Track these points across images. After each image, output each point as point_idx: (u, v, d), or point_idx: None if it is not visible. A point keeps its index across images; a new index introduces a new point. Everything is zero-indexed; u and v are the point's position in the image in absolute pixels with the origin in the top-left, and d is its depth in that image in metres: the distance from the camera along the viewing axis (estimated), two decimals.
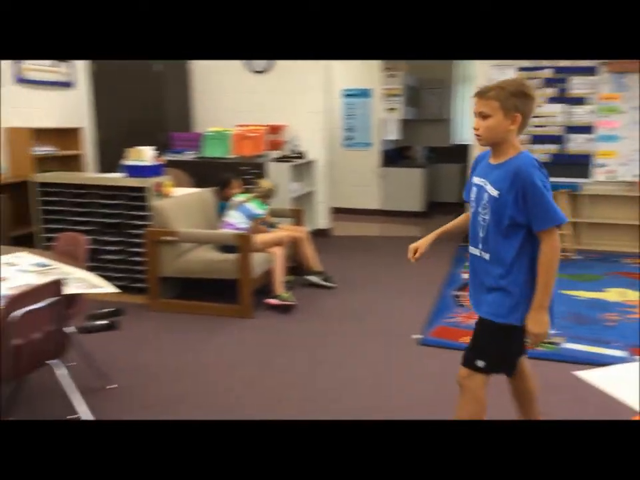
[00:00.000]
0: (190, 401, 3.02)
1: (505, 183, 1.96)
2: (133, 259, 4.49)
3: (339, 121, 8.44)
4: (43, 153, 5.74)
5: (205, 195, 4.92)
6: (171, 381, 3.25)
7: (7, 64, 5.55)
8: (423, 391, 3.10)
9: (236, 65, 6.82)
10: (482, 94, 1.98)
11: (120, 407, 2.94)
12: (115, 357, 3.52)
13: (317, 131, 6.75)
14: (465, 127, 9.11)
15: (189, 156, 6.09)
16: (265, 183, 4.87)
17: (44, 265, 2.78)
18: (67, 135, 6.12)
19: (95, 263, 4.22)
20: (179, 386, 3.19)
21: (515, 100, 1.95)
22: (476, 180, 2.12)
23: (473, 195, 2.13)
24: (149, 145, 4.60)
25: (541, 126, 6.29)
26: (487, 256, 2.06)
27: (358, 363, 3.49)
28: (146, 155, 4.48)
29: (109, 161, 5.97)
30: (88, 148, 6.44)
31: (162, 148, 5.69)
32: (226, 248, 4.39)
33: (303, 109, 6.72)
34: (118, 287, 2.98)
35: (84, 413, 2.49)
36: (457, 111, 9.36)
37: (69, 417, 2.66)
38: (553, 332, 2.28)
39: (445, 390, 3.00)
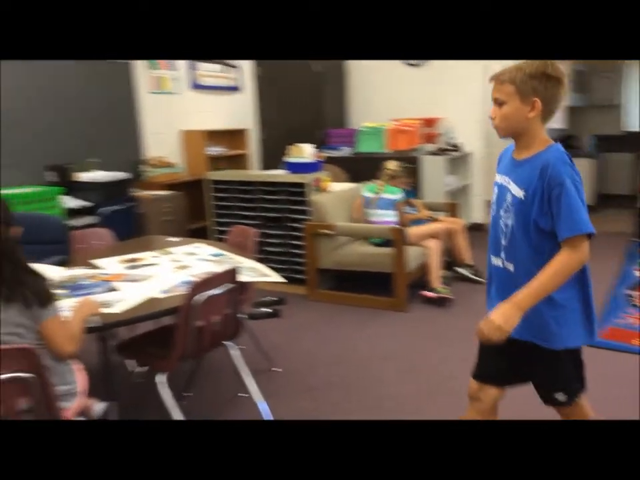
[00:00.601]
0: (345, 387, 3.15)
1: (531, 181, 1.68)
2: (293, 251, 4.74)
3: None
4: (215, 152, 6.26)
5: (360, 190, 5.04)
6: (328, 367, 3.40)
7: (184, 72, 6.13)
8: (592, 395, 2.93)
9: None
10: (496, 77, 1.74)
11: (284, 389, 3.15)
12: (278, 342, 3.76)
13: (474, 123, 6.58)
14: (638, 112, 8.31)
15: (344, 152, 6.26)
16: (389, 164, 4.75)
17: (219, 255, 3.06)
18: (235, 136, 6.60)
19: (260, 255, 4.53)
20: (336, 372, 3.33)
21: (533, 82, 1.67)
22: (498, 178, 1.86)
23: (493, 196, 1.86)
24: (308, 143, 4.83)
25: None
26: (511, 267, 1.78)
27: None
28: (306, 152, 4.70)
29: (271, 159, 6.36)
30: (253, 147, 6.89)
31: (319, 145, 5.92)
32: (381, 241, 4.47)
33: (459, 100, 6.59)
34: (281, 277, 3.18)
35: (254, 391, 2.70)
36: (629, 96, 8.57)
37: (239, 394, 2.91)
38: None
39: (618, 393, 2.81)
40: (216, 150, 6.31)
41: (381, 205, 4.60)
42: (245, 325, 3.14)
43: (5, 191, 4.16)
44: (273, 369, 3.37)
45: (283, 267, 4.71)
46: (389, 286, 4.29)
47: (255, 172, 6.24)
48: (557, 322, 1.74)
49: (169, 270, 2.80)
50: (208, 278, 2.39)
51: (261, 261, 3.03)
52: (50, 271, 2.71)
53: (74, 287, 2.49)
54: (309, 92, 6.60)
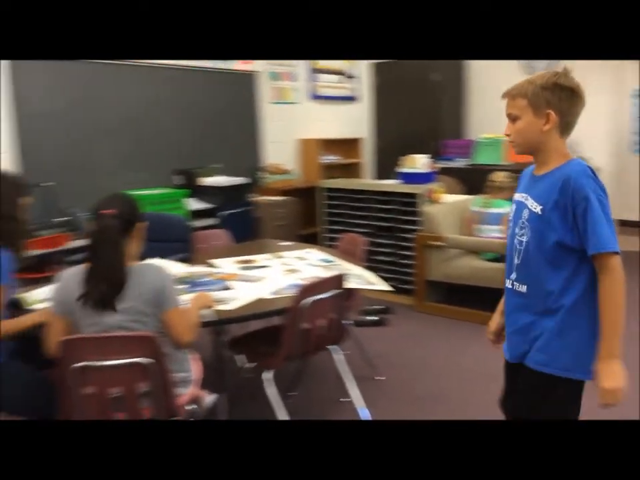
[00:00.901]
0: (447, 401, 3.09)
1: (550, 196, 1.59)
2: (402, 261, 4.73)
3: (628, 124, 7.62)
4: (329, 161, 6.40)
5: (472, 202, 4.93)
6: (431, 379, 3.36)
7: (304, 82, 6.34)
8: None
9: (512, 67, 6.66)
10: (508, 93, 1.67)
11: (386, 398, 3.15)
12: (382, 351, 3.77)
13: (602, 136, 6.22)
14: None
15: (460, 163, 6.15)
16: (496, 176, 4.54)
17: (328, 261, 3.13)
18: (349, 145, 6.71)
19: (369, 263, 4.56)
20: (438, 385, 3.28)
21: (546, 94, 1.60)
22: (517, 196, 1.76)
23: (510, 214, 1.77)
24: (423, 153, 4.80)
25: None
26: (523, 288, 1.68)
27: None
28: (419, 162, 4.68)
29: (385, 168, 6.39)
30: (367, 156, 6.96)
31: (434, 155, 5.87)
32: (493, 256, 4.35)
33: (585, 112, 6.24)
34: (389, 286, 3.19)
35: (356, 397, 2.74)
36: None
37: (341, 399, 2.96)
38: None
39: None
40: (330, 158, 6.45)
41: (488, 219, 4.47)
42: (350, 331, 3.19)
43: (138, 192, 4.53)
44: (377, 377, 3.38)
45: (391, 276, 4.71)
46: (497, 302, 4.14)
47: (368, 181, 6.30)
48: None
49: (280, 273, 2.91)
50: (316, 282, 2.46)
51: (369, 269, 3.07)
52: (173, 267, 2.92)
53: (193, 283, 2.67)
54: (426, 101, 6.57)
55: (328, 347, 2.69)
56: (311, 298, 2.38)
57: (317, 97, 6.50)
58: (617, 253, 1.55)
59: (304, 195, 5.89)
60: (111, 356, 1.83)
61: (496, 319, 1.92)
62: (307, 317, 2.39)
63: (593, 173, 1.59)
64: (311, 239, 5.15)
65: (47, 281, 2.66)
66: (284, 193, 5.77)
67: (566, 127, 1.64)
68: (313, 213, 5.81)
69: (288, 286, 2.65)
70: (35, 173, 4.21)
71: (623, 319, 1.56)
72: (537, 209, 1.63)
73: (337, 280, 2.52)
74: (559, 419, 1.67)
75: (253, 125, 5.84)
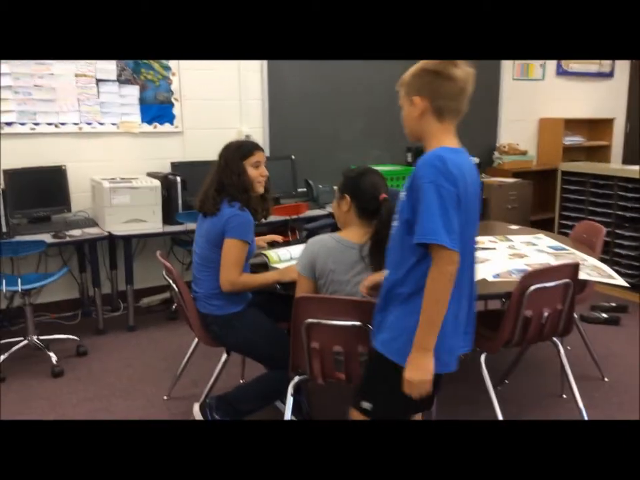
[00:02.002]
0: None
1: (407, 182, 1.59)
2: None
3: None
4: (571, 142, 5.93)
5: None
6: None
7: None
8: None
9: None
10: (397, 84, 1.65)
11: (610, 401, 2.89)
12: (611, 352, 3.44)
13: None
14: None
15: None
16: None
17: (560, 249, 2.95)
18: (597, 126, 6.13)
19: (606, 255, 4.17)
20: None
21: (414, 80, 1.60)
22: None
23: None
24: None
25: None
26: (386, 273, 1.68)
27: None
28: None
29: (634, 153, 5.71)
30: (617, 138, 6.28)
31: None
32: None
33: None
34: (627, 283, 2.89)
35: (576, 395, 2.56)
36: None
37: (562, 395, 2.80)
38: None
39: None
40: (574, 140, 5.96)
41: None
42: (577, 325, 2.98)
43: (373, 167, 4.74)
44: (606, 379, 3.11)
45: (633, 272, 4.25)
46: None
47: (613, 166, 5.69)
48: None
49: (504, 256, 2.83)
50: (543, 269, 2.34)
51: (606, 261, 2.82)
52: None
53: None
54: None
55: (550, 338, 2.56)
56: (536, 285, 2.28)
57: (565, 73, 6.03)
58: (443, 246, 1.47)
59: (539, 178, 5.56)
60: (337, 316, 1.99)
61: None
62: (530, 304, 2.29)
63: (442, 164, 1.49)
64: (543, 225, 4.87)
65: (288, 244, 2.96)
66: (517, 174, 5.52)
67: (439, 111, 1.59)
68: (547, 198, 5.48)
69: (512, 270, 2.57)
70: (280, 145, 4.65)
71: (440, 314, 1.51)
72: (403, 195, 1.61)
73: (569, 269, 2.37)
74: (388, 402, 1.67)
75: (493, 104, 5.65)
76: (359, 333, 1.97)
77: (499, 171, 5.56)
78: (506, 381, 3.06)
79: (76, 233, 3.61)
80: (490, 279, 2.47)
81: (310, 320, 2.00)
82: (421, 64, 1.61)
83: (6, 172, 3.61)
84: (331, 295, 2.09)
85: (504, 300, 2.90)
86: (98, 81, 3.96)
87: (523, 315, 2.31)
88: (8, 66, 3.67)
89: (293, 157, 4.58)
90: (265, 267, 2.62)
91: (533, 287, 2.27)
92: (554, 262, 2.69)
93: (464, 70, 1.59)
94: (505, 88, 5.67)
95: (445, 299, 1.51)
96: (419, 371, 1.53)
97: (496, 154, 5.67)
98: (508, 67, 5.66)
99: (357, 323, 1.96)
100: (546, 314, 2.36)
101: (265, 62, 4.52)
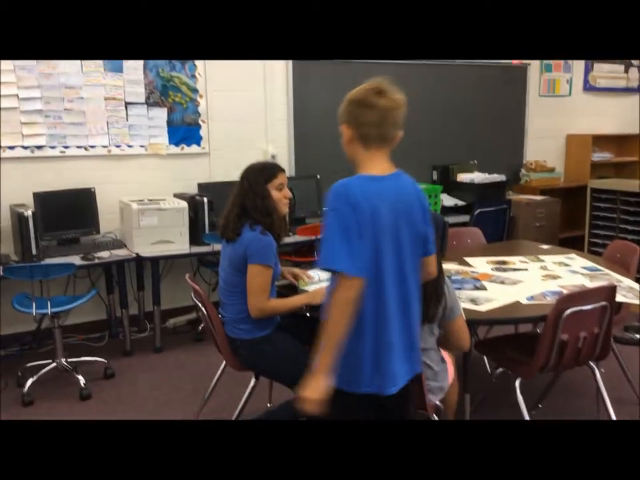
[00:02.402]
0: None
1: None
2: None
3: None
4: (600, 159, 5.84)
5: None
6: None
7: (578, 74, 5.86)
8: None
9: None
10: None
11: None
12: None
13: None
14: None
15: None
16: None
17: (594, 270, 2.88)
18: (625, 141, 6.03)
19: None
20: None
21: (344, 109, 1.65)
22: None
23: None
24: None
25: None
26: None
27: None
28: None
29: None
30: None
31: None
32: None
33: None
34: None
35: (614, 420, 2.48)
36: None
37: (589, 419, 2.71)
38: None
39: None
40: (601, 156, 5.87)
41: None
42: (612, 347, 2.89)
43: None
44: None
45: None
46: None
47: None
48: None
49: (537, 277, 2.77)
50: (580, 291, 2.29)
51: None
52: None
53: None
54: None
55: (586, 363, 2.48)
56: (572, 308, 2.22)
57: (592, 89, 5.96)
58: (342, 272, 1.50)
59: (567, 195, 5.48)
60: None
61: None
62: (567, 327, 2.23)
63: (345, 192, 1.55)
64: (572, 243, 4.78)
65: (314, 265, 2.94)
66: (544, 192, 5.44)
67: (363, 138, 1.62)
68: (576, 215, 5.39)
69: (546, 292, 2.51)
70: (305, 165, 4.65)
71: (334, 338, 1.54)
72: None
73: (606, 291, 2.31)
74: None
75: (519, 120, 5.60)
76: None
77: (526, 189, 5.49)
78: (540, 405, 2.98)
79: (104, 254, 3.64)
80: (524, 301, 2.42)
81: None
82: (349, 94, 1.67)
83: (36, 195, 3.66)
84: None
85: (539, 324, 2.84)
86: (127, 103, 4.02)
87: (560, 339, 2.26)
88: (39, 90, 3.74)
89: (318, 176, 4.57)
90: (293, 289, 2.60)
91: (569, 310, 2.21)
92: (589, 284, 2.63)
93: (389, 98, 1.61)
94: (531, 104, 5.62)
95: (340, 324, 1.54)
96: (312, 391, 1.57)
97: (523, 171, 5.60)
98: (534, 83, 5.62)
99: None
100: (582, 338, 2.30)
101: (290, 81, 4.55)
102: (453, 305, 2.03)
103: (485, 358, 3.23)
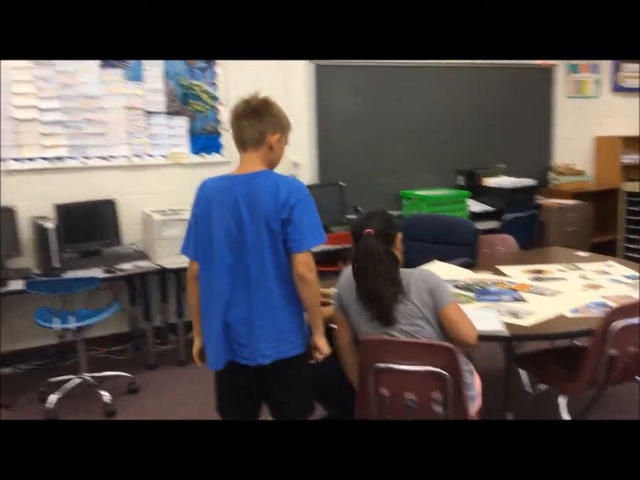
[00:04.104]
0: None
1: None
2: None
3: None
4: (630, 161, 5.66)
5: None
6: None
7: (606, 74, 5.70)
8: None
9: None
10: None
11: None
12: None
13: None
14: None
15: None
16: None
17: (636, 278, 2.74)
18: None
19: None
20: None
21: None
22: None
23: None
24: None
25: None
26: None
27: None
28: None
29: None
30: None
31: None
32: None
33: None
34: None
35: None
36: None
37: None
38: None
39: None
40: (632, 158, 5.69)
41: None
42: None
43: (422, 192, 4.60)
44: None
45: None
46: None
47: None
48: None
49: (578, 287, 2.64)
50: (629, 304, 2.15)
51: None
52: (457, 272, 2.86)
53: (482, 291, 2.57)
54: None
55: (633, 378, 2.35)
56: (622, 321, 2.09)
57: (620, 89, 5.79)
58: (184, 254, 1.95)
59: (598, 199, 5.31)
60: (407, 361, 1.85)
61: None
62: (615, 342, 2.10)
63: (199, 186, 1.92)
64: (604, 248, 4.63)
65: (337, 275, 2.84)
66: (575, 196, 5.28)
67: (235, 142, 1.91)
68: (608, 219, 5.23)
69: (590, 304, 2.38)
70: (329, 173, 4.56)
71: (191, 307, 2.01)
72: None
73: None
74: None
75: (546, 122, 5.45)
76: (433, 379, 1.82)
77: (555, 192, 5.33)
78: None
79: (126, 266, 3.57)
80: (568, 314, 2.29)
81: (379, 364, 1.86)
82: None
83: (58, 207, 3.61)
84: (405, 339, 1.93)
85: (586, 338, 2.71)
86: (147, 113, 3.96)
87: (608, 353, 2.13)
88: (59, 101, 3.70)
89: (342, 183, 4.48)
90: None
91: (619, 324, 2.08)
92: (634, 294, 2.49)
93: (240, 105, 1.88)
94: (559, 106, 5.47)
95: (188, 296, 2.03)
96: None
97: (551, 174, 5.45)
98: (561, 85, 5.47)
99: (432, 369, 1.81)
100: (632, 352, 2.17)
101: (312, 87, 4.46)
102: (434, 294, 1.91)
103: (521, 372, 3.09)
